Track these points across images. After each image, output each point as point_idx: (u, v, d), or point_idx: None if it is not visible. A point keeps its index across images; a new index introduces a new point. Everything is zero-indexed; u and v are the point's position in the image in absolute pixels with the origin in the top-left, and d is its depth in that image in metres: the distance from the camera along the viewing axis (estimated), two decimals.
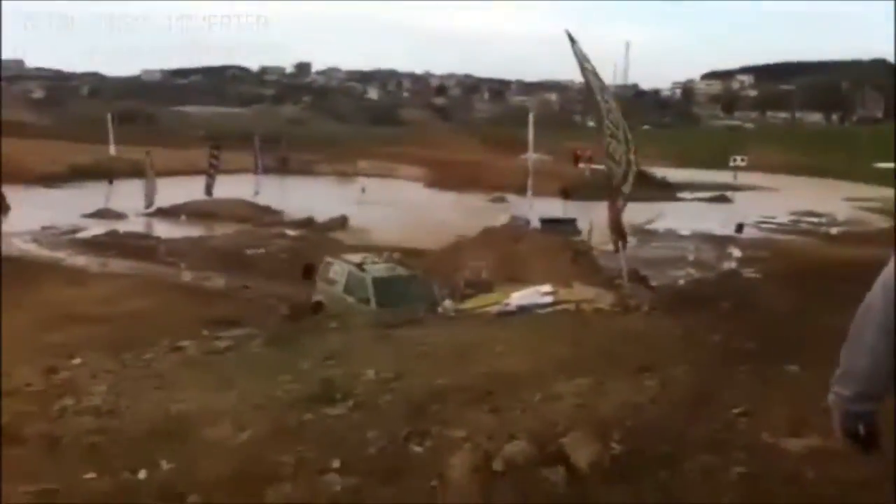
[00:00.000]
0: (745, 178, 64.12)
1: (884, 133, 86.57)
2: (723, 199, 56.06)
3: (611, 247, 25.06)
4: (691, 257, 27.14)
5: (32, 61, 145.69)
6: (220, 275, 23.70)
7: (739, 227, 41.96)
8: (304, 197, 45.54)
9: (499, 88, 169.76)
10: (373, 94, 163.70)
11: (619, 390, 8.05)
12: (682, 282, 20.82)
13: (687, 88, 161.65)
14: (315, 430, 7.39)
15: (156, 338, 12.40)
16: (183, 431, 7.25)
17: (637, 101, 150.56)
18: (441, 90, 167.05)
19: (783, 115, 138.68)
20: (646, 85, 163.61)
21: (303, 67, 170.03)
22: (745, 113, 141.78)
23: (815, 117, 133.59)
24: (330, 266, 20.95)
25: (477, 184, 57.47)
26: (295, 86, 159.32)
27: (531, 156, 30.90)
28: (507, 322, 12.20)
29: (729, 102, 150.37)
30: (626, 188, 15.51)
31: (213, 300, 19.22)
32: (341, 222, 37.75)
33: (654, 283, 18.39)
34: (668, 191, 58.44)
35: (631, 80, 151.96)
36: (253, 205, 44.79)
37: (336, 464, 6.00)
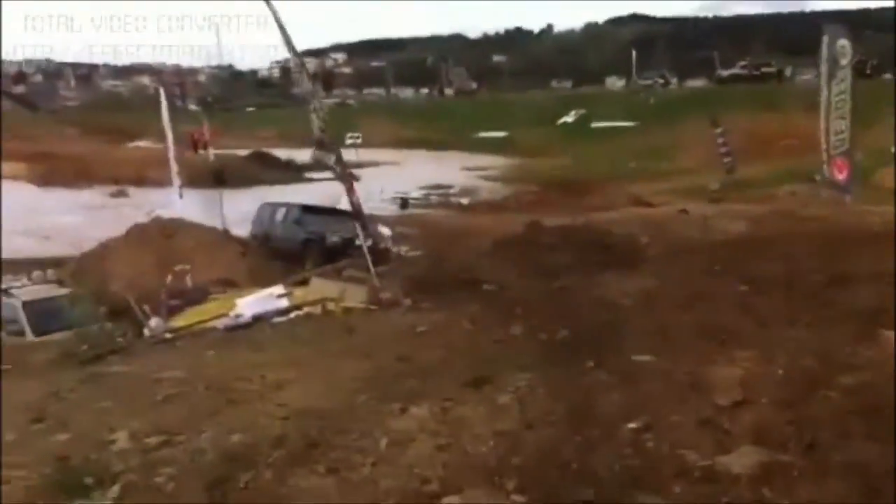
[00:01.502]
0: (364, 154, 64.93)
1: (482, 103, 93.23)
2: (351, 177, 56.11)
3: None
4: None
5: None
6: None
7: (404, 203, 41.42)
8: None
9: (86, 73, 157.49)
10: None
11: (474, 416, 6.62)
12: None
13: (284, 68, 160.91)
14: None
15: None
16: None
17: (235, 82, 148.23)
18: (20, 77, 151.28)
19: (378, 90, 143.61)
20: (242, 65, 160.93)
21: None
22: (343, 90, 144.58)
23: (408, 92, 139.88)
24: None
25: (88, 178, 52.21)
26: None
27: (169, 141, 27.86)
28: (252, 338, 10.09)
29: (327, 80, 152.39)
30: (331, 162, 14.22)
31: None
32: None
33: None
34: (295, 172, 57.48)
35: (226, 60, 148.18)
36: None
37: None
